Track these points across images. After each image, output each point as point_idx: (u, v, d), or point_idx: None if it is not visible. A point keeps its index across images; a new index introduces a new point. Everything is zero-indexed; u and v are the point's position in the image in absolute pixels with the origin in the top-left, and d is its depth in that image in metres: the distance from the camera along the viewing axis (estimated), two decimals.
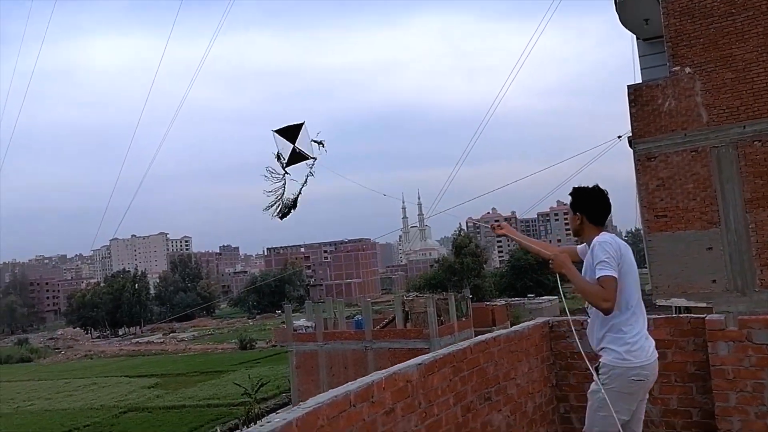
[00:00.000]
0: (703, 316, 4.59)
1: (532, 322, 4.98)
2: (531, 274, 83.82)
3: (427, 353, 3.83)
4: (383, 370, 3.18)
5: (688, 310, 12.61)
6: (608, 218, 3.69)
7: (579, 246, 3.81)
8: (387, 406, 3.12)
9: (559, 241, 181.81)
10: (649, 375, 3.52)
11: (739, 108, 12.63)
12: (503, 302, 57.66)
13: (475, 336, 4.71)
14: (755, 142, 12.52)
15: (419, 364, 3.46)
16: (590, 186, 3.73)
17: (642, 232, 14.52)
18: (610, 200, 3.68)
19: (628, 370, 3.45)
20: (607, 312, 3.33)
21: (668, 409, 4.55)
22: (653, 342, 3.59)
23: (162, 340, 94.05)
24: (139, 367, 66.34)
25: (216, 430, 38.14)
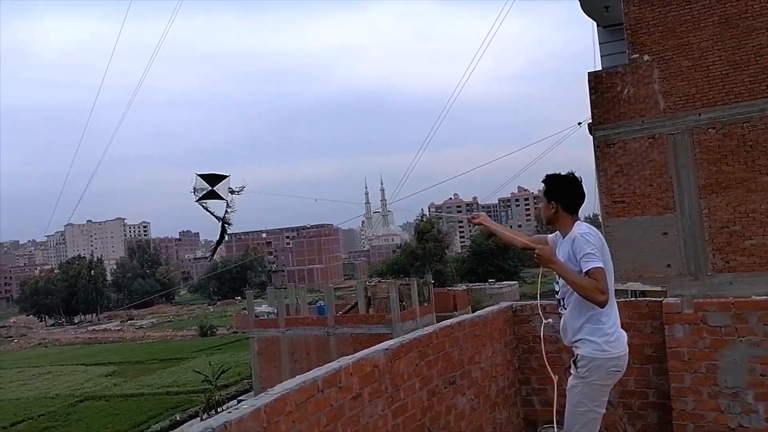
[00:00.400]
0: (660, 299, 4.70)
1: (496, 307, 5.03)
2: (492, 260, 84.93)
3: (390, 338, 3.83)
4: (351, 356, 3.17)
5: (643, 294, 12.94)
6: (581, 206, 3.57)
7: (550, 235, 3.74)
8: (354, 391, 3.12)
9: (519, 226, 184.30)
10: (624, 366, 3.50)
11: (695, 96, 12.93)
12: (464, 287, 58.32)
13: (437, 321, 4.72)
14: (710, 130, 12.85)
15: (386, 349, 3.46)
16: (565, 173, 3.60)
17: (600, 217, 14.82)
18: (584, 188, 3.60)
19: (606, 361, 3.41)
20: (603, 305, 3.25)
21: (626, 390, 4.66)
22: (625, 336, 3.55)
23: (119, 328, 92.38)
24: (96, 355, 65.08)
25: (175, 417, 37.78)
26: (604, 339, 3.41)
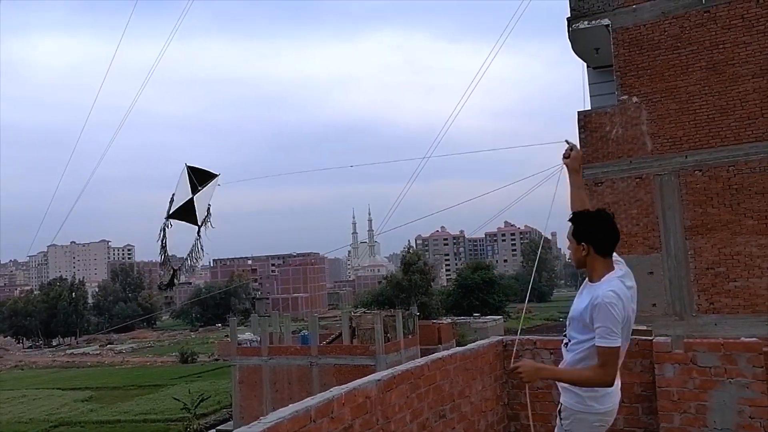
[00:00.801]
0: (651, 338, 4.73)
1: (486, 341, 5.03)
2: (477, 293, 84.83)
3: (373, 370, 3.82)
4: (343, 386, 3.15)
5: (635, 332, 12.96)
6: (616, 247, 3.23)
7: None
8: (346, 422, 3.09)
9: (505, 261, 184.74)
10: (610, 421, 3.25)
11: (682, 138, 13.17)
12: (449, 320, 58.08)
13: (422, 354, 4.69)
14: (696, 172, 13.06)
15: (378, 380, 3.44)
16: (595, 210, 3.30)
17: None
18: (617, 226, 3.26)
19: (590, 416, 3.17)
20: (609, 386, 3.03)
21: (615, 429, 4.63)
22: (619, 383, 3.28)
23: (98, 352, 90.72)
24: (73, 379, 63.75)
25: None
26: (589, 393, 3.14)
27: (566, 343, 3.30)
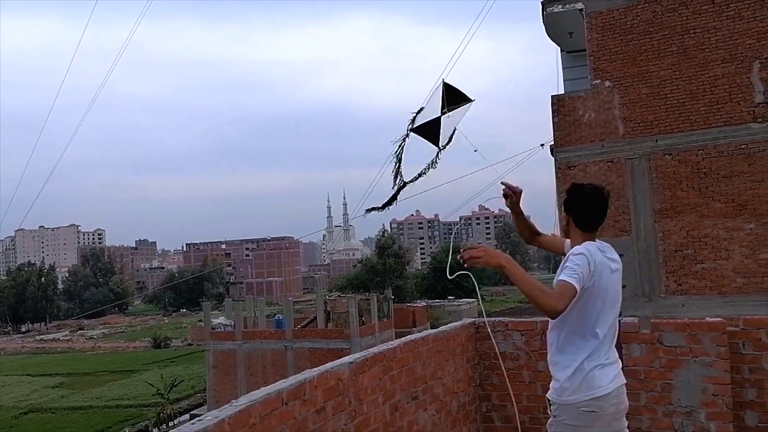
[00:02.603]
0: (619, 319, 4.81)
1: (459, 323, 5.07)
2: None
3: (348, 353, 3.82)
4: (315, 368, 3.16)
5: None
6: (599, 225, 3.18)
7: (568, 240, 3.34)
8: (318, 404, 3.10)
9: (479, 243, 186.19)
10: (604, 406, 3.03)
11: (653, 122, 13.34)
12: (424, 304, 58.45)
13: (396, 337, 4.71)
14: (666, 156, 13.26)
15: (351, 362, 3.45)
16: (588, 184, 3.25)
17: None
18: (607, 205, 3.19)
19: (571, 405, 3.04)
20: (552, 315, 2.82)
21: None
22: (616, 370, 3.11)
23: (69, 338, 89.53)
24: (43, 365, 62.91)
25: (125, 431, 36.74)
26: (567, 379, 3.04)
27: (549, 330, 3.24)
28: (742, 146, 12.61)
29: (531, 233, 3.66)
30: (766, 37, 12.44)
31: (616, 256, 3.20)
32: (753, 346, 4.40)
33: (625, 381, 3.17)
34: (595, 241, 3.14)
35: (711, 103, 12.86)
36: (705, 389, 4.32)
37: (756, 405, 4.38)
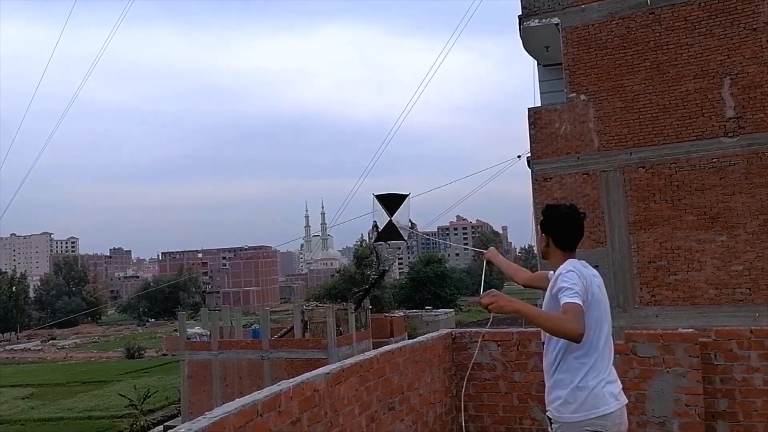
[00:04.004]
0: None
1: (436, 333, 5.08)
2: (429, 287, 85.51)
3: (325, 364, 3.81)
4: (291, 379, 3.14)
5: None
6: (578, 243, 3.24)
7: (549, 271, 3.41)
8: (294, 415, 3.08)
9: (457, 255, 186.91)
10: (608, 425, 3.03)
11: (627, 135, 13.56)
12: (402, 314, 58.38)
13: (374, 347, 4.71)
14: (640, 168, 13.47)
15: (327, 373, 3.43)
16: (562, 204, 3.35)
17: (535, 248, 15.23)
18: (583, 223, 3.27)
19: (574, 424, 3.03)
20: (577, 339, 2.82)
21: None
22: (618, 388, 3.12)
23: (40, 348, 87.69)
24: (12, 376, 61.42)
25: None
26: (570, 396, 3.03)
27: (544, 347, 3.27)
28: (714, 160, 12.87)
29: (524, 279, 3.80)
30: (736, 54, 12.74)
31: (596, 272, 3.24)
32: (724, 357, 4.48)
33: (627, 401, 3.17)
34: (574, 259, 3.19)
35: (683, 117, 13.11)
36: (678, 399, 4.37)
37: (727, 415, 4.45)
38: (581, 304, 2.87)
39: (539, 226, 3.34)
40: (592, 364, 3.04)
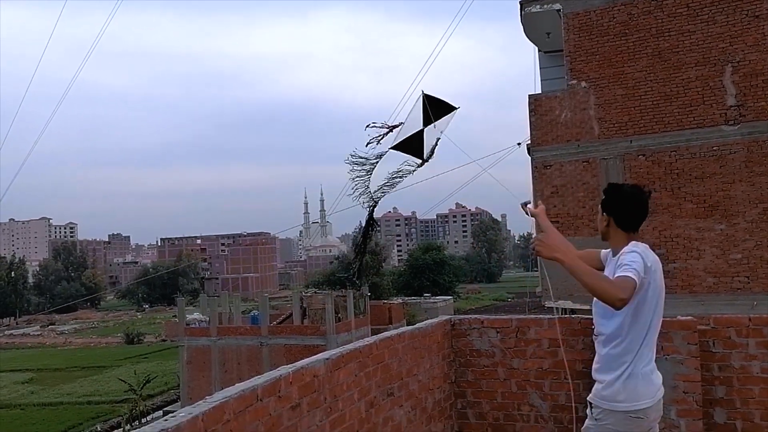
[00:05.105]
0: (592, 317, 4.86)
1: (435, 320, 5.08)
2: (428, 274, 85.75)
3: (324, 350, 3.82)
4: (291, 365, 3.14)
5: (573, 311, 13.35)
6: (641, 224, 3.14)
7: (603, 251, 3.33)
8: (293, 400, 3.08)
9: (456, 242, 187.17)
10: (650, 414, 3.05)
11: (627, 123, 13.52)
12: (400, 301, 58.58)
13: (372, 333, 4.71)
14: (640, 156, 13.45)
15: (327, 359, 3.44)
16: (626, 184, 3.25)
17: (533, 236, 15.25)
18: (648, 203, 3.16)
19: (617, 413, 3.02)
20: (617, 304, 2.72)
21: (557, 405, 4.78)
22: (660, 378, 3.12)
23: (39, 333, 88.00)
24: (12, 360, 61.67)
25: (96, 428, 36.25)
26: (618, 384, 3.01)
27: (596, 336, 3.21)
28: (714, 148, 12.85)
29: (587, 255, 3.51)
30: (738, 41, 12.68)
31: (657, 258, 3.14)
32: (722, 345, 4.49)
33: (664, 391, 3.16)
34: (634, 240, 3.08)
35: (684, 105, 13.07)
36: (676, 387, 4.38)
37: (724, 402, 4.46)
38: (635, 279, 2.77)
39: (600, 206, 3.20)
40: (643, 353, 3.01)
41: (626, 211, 3.10)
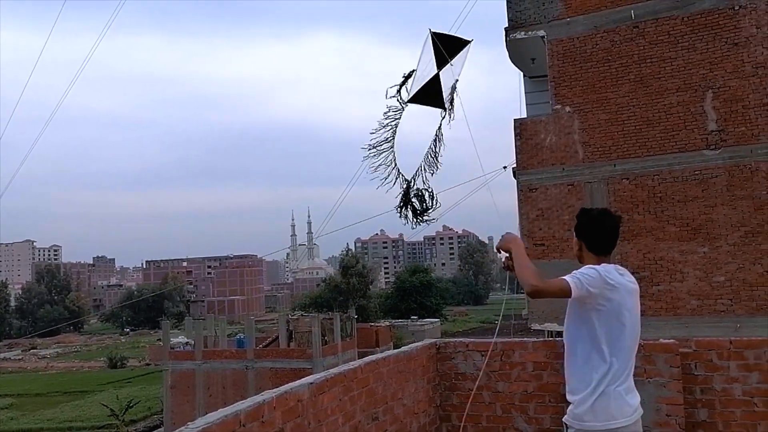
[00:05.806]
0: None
1: (420, 343, 5.08)
2: (415, 296, 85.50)
3: (310, 373, 3.81)
4: (274, 389, 3.13)
5: (559, 334, 13.38)
6: (612, 248, 3.20)
7: None
8: (277, 426, 3.07)
9: (443, 264, 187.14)
10: None
11: (611, 147, 13.71)
12: (387, 323, 58.30)
13: (359, 357, 4.69)
14: (623, 180, 13.61)
15: (311, 383, 3.43)
16: (595, 208, 3.32)
17: None
18: (618, 227, 3.22)
19: (596, 429, 3.00)
20: (529, 291, 2.91)
21: (542, 428, 4.78)
22: (637, 399, 3.08)
23: (20, 357, 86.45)
24: None
25: None
26: (588, 403, 2.99)
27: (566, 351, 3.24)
28: (696, 172, 13.04)
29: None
30: (718, 68, 12.95)
31: (633, 279, 3.22)
32: (704, 368, 4.52)
33: (642, 412, 3.13)
34: (610, 263, 3.14)
35: (666, 130, 13.28)
36: (659, 409, 4.40)
37: (707, 425, 4.49)
38: (570, 284, 2.89)
39: (573, 230, 3.29)
40: (614, 372, 2.99)
41: (596, 235, 3.17)
